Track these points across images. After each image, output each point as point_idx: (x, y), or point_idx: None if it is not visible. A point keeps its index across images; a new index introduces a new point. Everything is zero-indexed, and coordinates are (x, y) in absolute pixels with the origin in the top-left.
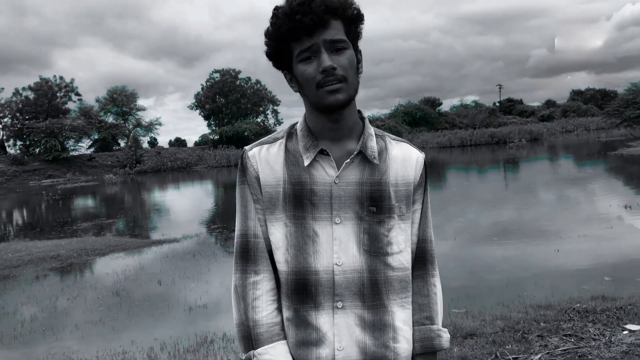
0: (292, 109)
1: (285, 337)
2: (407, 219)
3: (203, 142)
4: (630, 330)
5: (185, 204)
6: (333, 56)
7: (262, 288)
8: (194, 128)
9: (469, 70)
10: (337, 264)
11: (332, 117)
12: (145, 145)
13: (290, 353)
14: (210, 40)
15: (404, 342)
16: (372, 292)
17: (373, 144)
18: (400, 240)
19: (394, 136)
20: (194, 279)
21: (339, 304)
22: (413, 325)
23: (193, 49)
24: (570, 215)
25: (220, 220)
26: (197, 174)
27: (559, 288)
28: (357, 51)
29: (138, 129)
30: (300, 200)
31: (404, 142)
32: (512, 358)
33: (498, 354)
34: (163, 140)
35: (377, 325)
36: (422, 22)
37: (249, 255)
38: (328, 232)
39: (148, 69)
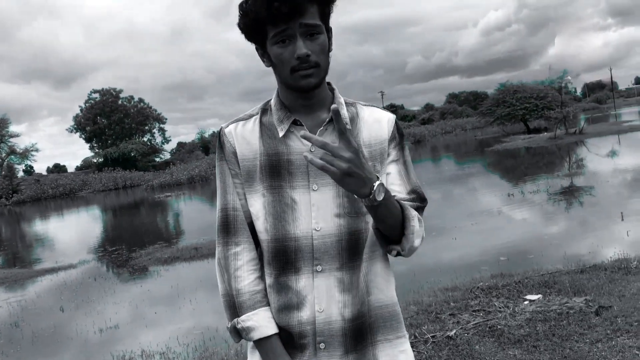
0: (178, 127)
1: (268, 304)
2: (382, 175)
3: (86, 166)
4: (530, 300)
5: (75, 230)
6: (307, 42)
7: (243, 258)
8: (74, 152)
9: (353, 78)
10: (315, 229)
11: (305, 94)
12: (21, 174)
13: (273, 318)
14: (86, 60)
15: (377, 293)
16: (351, 252)
17: (344, 111)
18: None
19: (364, 102)
20: (99, 301)
21: (319, 268)
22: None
23: (68, 70)
24: (463, 207)
25: (118, 242)
26: (83, 200)
27: (462, 271)
28: (329, 31)
29: (12, 156)
30: (277, 170)
31: (374, 106)
32: (430, 336)
33: (417, 335)
34: (40, 168)
35: (354, 284)
36: None
37: (229, 228)
38: (306, 199)
39: (19, 93)
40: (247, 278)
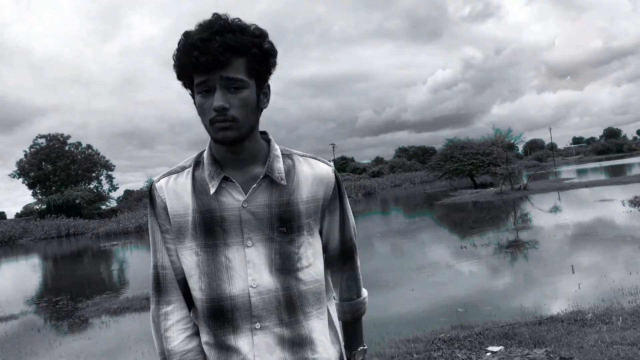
0: (125, 174)
1: None
2: (316, 233)
3: (26, 212)
4: (492, 352)
5: (15, 279)
6: (228, 95)
7: (173, 318)
8: (14, 199)
9: (304, 131)
10: (252, 286)
11: (231, 148)
12: None
13: None
14: (32, 104)
15: (322, 352)
16: (288, 309)
17: (280, 165)
18: (309, 254)
19: (301, 152)
20: (44, 355)
21: (257, 325)
22: (343, 301)
23: (13, 113)
24: (417, 259)
25: (63, 291)
26: (23, 248)
27: (421, 322)
28: (262, 87)
29: None
30: (211, 228)
31: (312, 157)
32: None
33: None
34: None
35: (295, 341)
36: None
37: (159, 287)
38: (241, 256)
39: None
40: (176, 338)
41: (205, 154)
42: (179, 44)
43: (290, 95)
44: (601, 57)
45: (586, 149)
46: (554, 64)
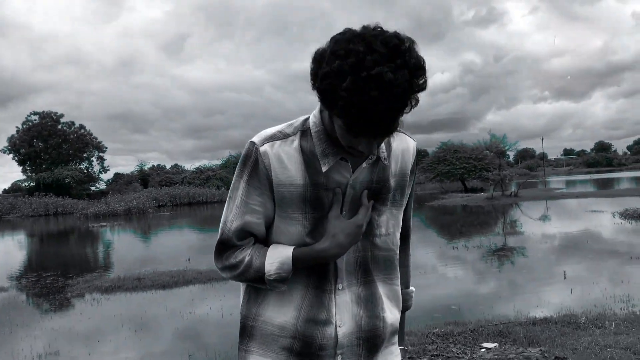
0: (116, 157)
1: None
2: (400, 206)
3: (14, 189)
4: (487, 348)
5: (3, 253)
6: (380, 140)
7: (247, 250)
8: (3, 175)
9: None
10: None
11: None
12: None
13: (297, 327)
14: (28, 81)
15: (388, 312)
16: (363, 269)
17: (383, 146)
18: (390, 225)
19: None
20: (35, 326)
21: (340, 286)
22: None
23: (7, 90)
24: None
25: (53, 268)
26: (9, 224)
27: (414, 316)
28: None
29: None
30: (320, 203)
31: (401, 131)
32: None
33: None
34: None
35: (369, 298)
36: (255, 76)
37: (228, 242)
38: None
39: None
40: (239, 258)
41: (312, 124)
42: (346, 83)
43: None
44: (599, 71)
45: (576, 160)
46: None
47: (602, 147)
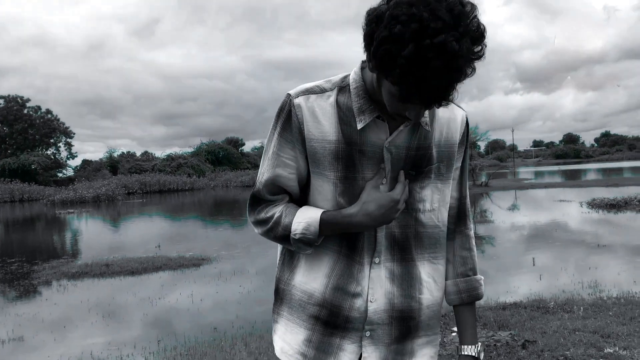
0: (85, 144)
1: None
2: (446, 179)
3: None
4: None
5: None
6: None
7: (265, 210)
8: None
9: (272, 113)
10: None
11: None
12: None
13: (325, 295)
14: None
15: (427, 293)
16: (402, 246)
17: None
18: (435, 200)
19: None
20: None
21: (376, 260)
22: (457, 277)
23: None
24: None
25: (17, 254)
26: None
27: None
28: None
29: None
30: (352, 162)
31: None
32: None
33: None
34: None
35: (405, 277)
36: (228, 63)
37: (268, 197)
38: None
39: None
40: (269, 214)
41: (352, 81)
42: (407, 51)
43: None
44: (570, 64)
45: (545, 152)
46: (524, 66)
47: (571, 139)
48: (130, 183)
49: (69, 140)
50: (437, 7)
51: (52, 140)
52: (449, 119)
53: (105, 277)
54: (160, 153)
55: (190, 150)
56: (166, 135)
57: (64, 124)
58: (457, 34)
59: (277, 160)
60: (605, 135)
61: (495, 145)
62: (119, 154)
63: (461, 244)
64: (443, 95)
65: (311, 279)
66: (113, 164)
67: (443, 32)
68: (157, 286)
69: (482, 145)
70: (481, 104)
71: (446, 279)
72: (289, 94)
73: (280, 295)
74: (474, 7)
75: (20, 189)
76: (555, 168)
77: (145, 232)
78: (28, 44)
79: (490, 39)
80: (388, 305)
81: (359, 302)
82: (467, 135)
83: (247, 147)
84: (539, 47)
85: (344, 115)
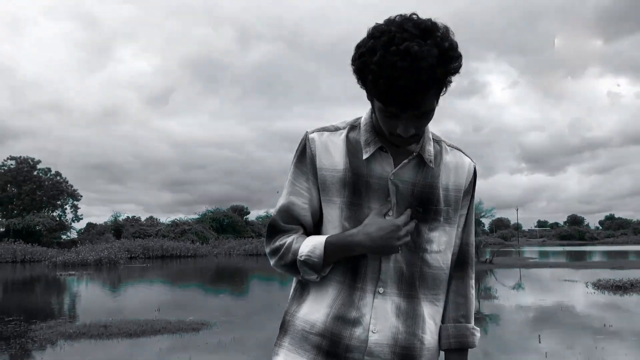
0: (91, 207)
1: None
2: (454, 223)
3: None
4: None
5: None
6: (416, 121)
7: (280, 239)
8: None
9: (279, 183)
10: None
11: None
12: None
13: (326, 324)
14: (7, 126)
15: (428, 334)
16: (408, 282)
17: (430, 148)
18: (442, 242)
19: (449, 142)
20: None
21: (381, 290)
22: (448, 322)
23: None
24: None
25: (15, 313)
26: None
27: None
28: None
29: None
30: (358, 190)
31: (458, 149)
32: None
33: None
34: None
35: (410, 314)
36: (238, 133)
37: (282, 221)
38: None
39: None
40: (282, 241)
41: (363, 120)
42: (375, 58)
43: (269, 147)
44: (574, 147)
45: (550, 232)
46: (529, 147)
47: (575, 221)
48: (133, 247)
49: (75, 202)
50: (406, 23)
51: (59, 202)
52: (456, 164)
53: (102, 338)
54: (165, 219)
55: (195, 216)
56: (172, 201)
57: (72, 186)
58: (422, 42)
59: (292, 188)
60: (610, 218)
61: (500, 224)
62: (123, 218)
63: (457, 290)
64: (414, 97)
65: (315, 310)
66: (117, 228)
67: (408, 40)
68: (154, 350)
69: (487, 222)
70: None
71: (441, 323)
72: (307, 132)
73: (284, 327)
74: (446, 28)
75: (23, 249)
76: (560, 249)
77: (145, 296)
78: (44, 108)
79: (496, 119)
80: (392, 340)
81: (359, 331)
82: (474, 184)
83: (252, 216)
84: (544, 129)
85: (352, 148)
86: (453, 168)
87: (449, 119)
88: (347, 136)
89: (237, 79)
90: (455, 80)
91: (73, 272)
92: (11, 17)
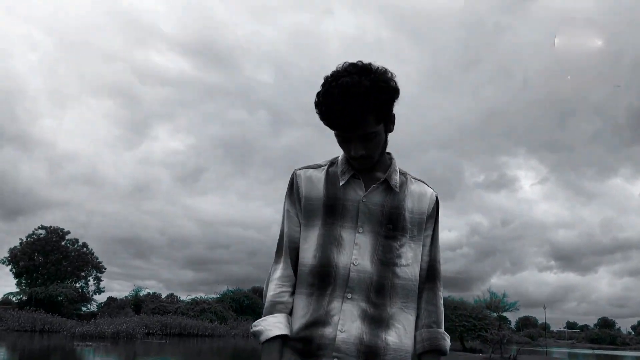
0: (113, 282)
1: (284, 312)
2: (418, 241)
3: (4, 302)
4: None
5: None
6: (364, 143)
7: (278, 273)
8: None
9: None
10: (354, 264)
11: None
12: None
13: (283, 324)
14: (41, 196)
15: (394, 337)
16: (377, 292)
17: (396, 177)
18: (409, 257)
19: (414, 175)
20: None
21: (349, 295)
22: (422, 328)
23: (20, 203)
24: None
25: None
26: None
27: None
28: (388, 122)
29: None
30: (333, 210)
31: (421, 181)
32: None
33: None
34: None
35: (375, 318)
36: (264, 214)
37: (279, 249)
38: (351, 238)
39: None
40: (273, 290)
41: (340, 156)
42: (320, 92)
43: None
44: (606, 247)
45: (579, 335)
46: (558, 244)
47: (606, 324)
48: (152, 323)
49: (99, 275)
50: (348, 66)
51: (82, 274)
52: (420, 192)
53: None
54: (185, 297)
55: (215, 296)
56: (194, 279)
57: (97, 258)
58: (356, 77)
59: (288, 215)
60: None
61: (527, 322)
62: (144, 293)
63: (428, 300)
64: (350, 120)
65: (294, 323)
66: (137, 303)
67: (345, 76)
68: None
69: (513, 320)
70: (514, 279)
71: (415, 330)
72: (295, 170)
73: None
74: (384, 69)
75: (43, 319)
76: (590, 351)
77: None
78: (78, 181)
79: (525, 214)
80: (357, 340)
81: (328, 330)
82: (437, 210)
83: None
84: (574, 228)
85: (331, 179)
86: (417, 195)
87: (476, 211)
88: (327, 171)
89: (267, 161)
90: (485, 172)
91: (90, 343)
92: (56, 93)
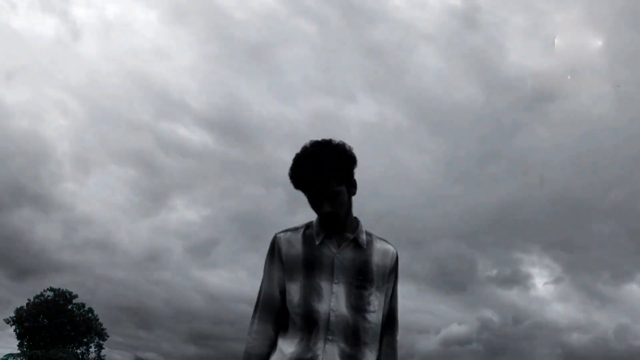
0: (114, 351)
1: None
2: (382, 291)
3: None
4: None
5: None
6: (330, 201)
7: (254, 327)
8: None
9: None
10: (332, 310)
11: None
12: None
13: None
14: (52, 258)
15: None
16: (353, 334)
17: (363, 236)
18: (376, 304)
19: (378, 235)
20: None
21: (330, 337)
22: None
23: (32, 264)
24: None
25: None
26: None
27: None
28: (350, 183)
29: None
30: (312, 266)
31: (384, 240)
32: None
33: None
34: None
35: (352, 357)
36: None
37: (258, 305)
38: (328, 288)
39: None
40: (249, 342)
41: (315, 220)
42: (291, 165)
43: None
44: (620, 354)
45: None
46: (571, 347)
47: None
48: None
49: (101, 342)
50: (312, 141)
51: (85, 339)
52: (384, 250)
53: None
54: None
55: None
56: (195, 355)
57: (101, 324)
58: (318, 148)
59: (268, 275)
60: None
61: None
62: None
63: (388, 343)
64: (313, 181)
65: (283, 356)
66: None
67: (308, 149)
68: None
69: None
70: None
71: None
72: (275, 233)
73: None
74: (343, 142)
75: None
76: None
77: None
78: (91, 245)
79: (537, 314)
80: None
81: None
82: (397, 265)
83: None
84: (588, 331)
85: (307, 240)
86: (382, 252)
87: (487, 306)
88: (304, 232)
89: None
90: (498, 267)
91: None
92: (81, 158)
